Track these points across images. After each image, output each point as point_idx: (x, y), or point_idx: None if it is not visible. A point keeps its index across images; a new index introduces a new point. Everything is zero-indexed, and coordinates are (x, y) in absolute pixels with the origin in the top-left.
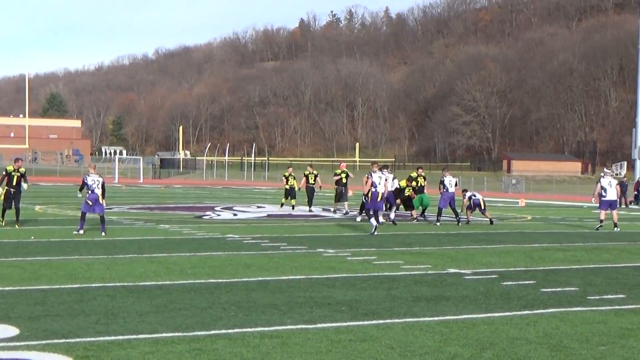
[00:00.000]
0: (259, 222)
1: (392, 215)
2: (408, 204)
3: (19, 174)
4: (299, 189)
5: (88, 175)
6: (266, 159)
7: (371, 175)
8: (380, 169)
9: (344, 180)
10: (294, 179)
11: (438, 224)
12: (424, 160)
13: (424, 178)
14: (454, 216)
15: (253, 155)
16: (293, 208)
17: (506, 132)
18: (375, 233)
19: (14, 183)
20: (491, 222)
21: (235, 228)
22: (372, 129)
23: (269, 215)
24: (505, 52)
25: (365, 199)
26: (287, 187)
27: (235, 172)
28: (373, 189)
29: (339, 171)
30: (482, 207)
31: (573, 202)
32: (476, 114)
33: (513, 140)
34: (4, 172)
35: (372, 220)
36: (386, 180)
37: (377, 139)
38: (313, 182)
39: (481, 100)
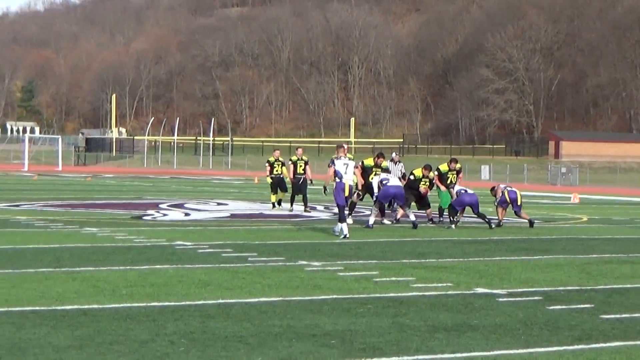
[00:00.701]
0: (219, 224)
1: (399, 215)
2: (422, 201)
3: None
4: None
5: None
6: (229, 139)
7: (334, 162)
8: (379, 157)
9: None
10: (283, 165)
11: (453, 226)
12: (443, 142)
13: (458, 173)
14: (481, 219)
15: (211, 134)
16: (292, 206)
17: (553, 103)
18: (345, 237)
19: None
20: (531, 224)
21: (187, 232)
22: (372, 99)
23: (232, 216)
24: None
25: (325, 192)
26: (272, 177)
27: (187, 158)
28: (337, 180)
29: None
30: (518, 204)
31: None
32: (513, 78)
33: (563, 114)
34: None
35: (340, 223)
36: (358, 168)
37: (379, 112)
38: (302, 172)
39: (520, 60)
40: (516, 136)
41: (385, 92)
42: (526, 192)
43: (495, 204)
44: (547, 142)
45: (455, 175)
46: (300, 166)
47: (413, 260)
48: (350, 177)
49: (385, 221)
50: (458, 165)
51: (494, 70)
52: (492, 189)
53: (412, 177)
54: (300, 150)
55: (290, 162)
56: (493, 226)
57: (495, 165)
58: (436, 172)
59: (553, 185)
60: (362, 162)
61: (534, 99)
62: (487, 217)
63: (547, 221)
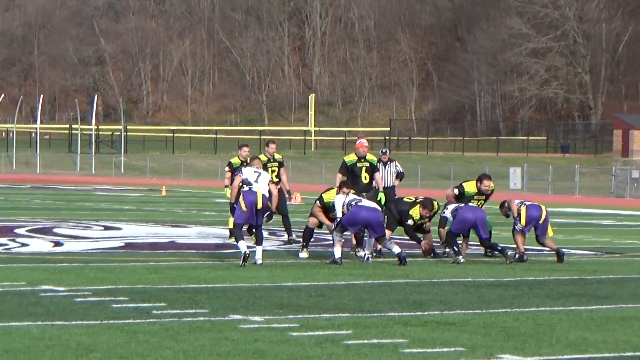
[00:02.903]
0: (107, 258)
1: (364, 252)
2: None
3: None
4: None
5: None
6: (121, 128)
7: (241, 171)
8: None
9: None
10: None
11: (461, 258)
12: (451, 132)
13: (487, 198)
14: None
15: (93, 120)
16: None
17: (621, 72)
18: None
19: None
20: (560, 257)
21: (58, 272)
22: (342, 65)
23: (128, 245)
24: None
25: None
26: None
27: (57, 157)
28: (245, 189)
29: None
30: (542, 224)
31: None
32: (560, 34)
33: (635, 89)
34: None
35: (241, 243)
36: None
37: (352, 87)
38: (276, 180)
39: (570, 5)
40: (564, 123)
41: (363, 55)
42: (578, 210)
43: (516, 227)
44: (611, 131)
45: (483, 202)
46: (273, 171)
47: (404, 313)
48: (263, 187)
49: (361, 252)
50: (492, 186)
51: (529, 21)
52: (503, 204)
53: (410, 217)
54: (272, 146)
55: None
56: (512, 260)
57: (532, 168)
58: (456, 191)
59: (619, 197)
60: (322, 198)
61: (591, 66)
62: (500, 245)
63: (609, 253)
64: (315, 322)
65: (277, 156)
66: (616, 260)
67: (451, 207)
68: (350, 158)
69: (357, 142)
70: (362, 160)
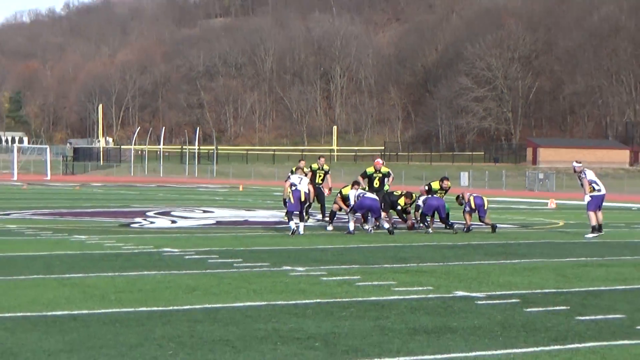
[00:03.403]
0: (205, 231)
1: (368, 226)
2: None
3: None
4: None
5: None
6: (214, 148)
7: (290, 177)
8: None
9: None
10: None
11: (430, 230)
12: (423, 149)
13: (445, 192)
14: (445, 225)
15: (197, 143)
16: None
17: (531, 110)
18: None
19: None
20: (493, 229)
21: (173, 239)
22: (354, 107)
23: (218, 223)
24: (530, 5)
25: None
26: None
27: (173, 166)
28: (293, 189)
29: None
30: (484, 209)
31: (619, 202)
32: (492, 87)
33: (540, 121)
34: None
35: (291, 223)
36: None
37: (360, 120)
38: (321, 182)
39: (498, 69)
40: (495, 143)
41: (367, 101)
42: (504, 198)
43: (465, 210)
44: (525, 149)
45: (443, 194)
46: (320, 176)
47: (394, 265)
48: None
49: (366, 227)
50: (449, 184)
51: (473, 79)
52: (458, 197)
53: (398, 204)
54: (322, 160)
55: (309, 170)
56: (458, 231)
57: (475, 172)
58: (426, 187)
59: (531, 191)
60: (341, 192)
61: (512, 107)
62: (452, 221)
63: (524, 226)
64: (337, 271)
65: (325, 167)
66: (530, 231)
67: (422, 197)
68: (370, 170)
69: (375, 161)
70: (377, 172)
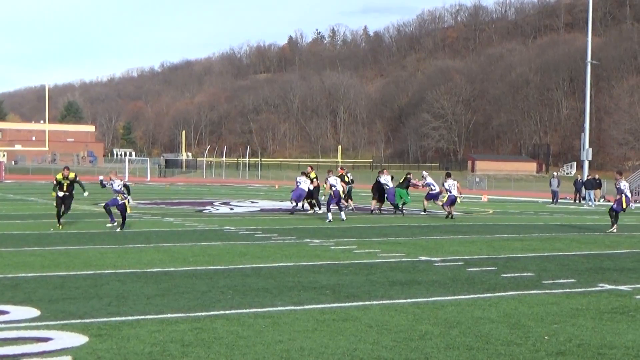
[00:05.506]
0: (252, 215)
1: (372, 207)
2: (382, 197)
3: (68, 181)
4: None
5: (113, 182)
6: (259, 159)
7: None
8: (381, 172)
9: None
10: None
11: (401, 213)
12: (398, 161)
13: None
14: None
15: (247, 156)
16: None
17: (470, 136)
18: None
19: (65, 189)
20: (424, 211)
21: (231, 221)
22: (352, 133)
23: (261, 210)
24: (470, 65)
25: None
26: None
27: (231, 172)
28: (333, 189)
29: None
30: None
31: (529, 197)
32: (444, 120)
33: (477, 143)
34: (54, 181)
35: (329, 214)
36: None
37: (356, 142)
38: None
39: (449, 108)
40: (446, 157)
41: (361, 129)
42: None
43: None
44: (467, 161)
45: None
46: (337, 180)
47: (379, 239)
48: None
49: (343, 215)
50: (411, 176)
51: (432, 115)
52: (406, 178)
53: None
54: (339, 169)
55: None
56: (401, 214)
57: (433, 177)
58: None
59: (470, 189)
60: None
61: (458, 133)
62: (401, 207)
63: (466, 213)
64: (341, 242)
65: (349, 174)
66: (469, 216)
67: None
68: (379, 177)
69: (339, 169)
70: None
